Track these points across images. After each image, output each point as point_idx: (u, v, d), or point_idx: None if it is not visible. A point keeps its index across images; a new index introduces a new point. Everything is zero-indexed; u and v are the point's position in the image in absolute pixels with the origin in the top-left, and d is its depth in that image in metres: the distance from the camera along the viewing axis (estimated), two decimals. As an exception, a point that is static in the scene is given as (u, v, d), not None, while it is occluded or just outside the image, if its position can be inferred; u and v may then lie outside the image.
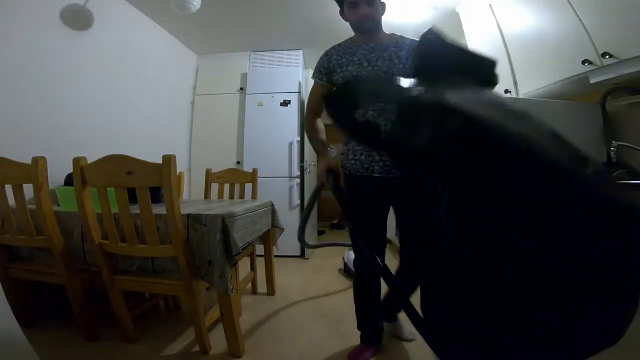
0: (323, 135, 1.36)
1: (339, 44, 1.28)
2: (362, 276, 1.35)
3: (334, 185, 1.17)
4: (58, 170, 1.67)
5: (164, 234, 1.26)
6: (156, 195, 1.48)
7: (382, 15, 1.21)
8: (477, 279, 0.56)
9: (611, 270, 0.47)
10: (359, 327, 1.39)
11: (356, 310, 1.40)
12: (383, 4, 1.22)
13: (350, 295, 2.11)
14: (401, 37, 1.23)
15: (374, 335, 1.38)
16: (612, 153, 1.43)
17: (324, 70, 1.27)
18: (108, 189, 1.25)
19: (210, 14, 2.65)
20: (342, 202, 1.11)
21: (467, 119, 0.50)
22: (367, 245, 1.20)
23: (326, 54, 1.28)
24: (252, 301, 1.98)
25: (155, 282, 1.31)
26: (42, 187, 1.28)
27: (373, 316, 1.38)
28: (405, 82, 0.84)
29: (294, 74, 3.31)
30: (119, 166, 1.19)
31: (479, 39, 2.22)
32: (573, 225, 0.46)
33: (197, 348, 1.38)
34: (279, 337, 1.53)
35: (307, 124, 1.36)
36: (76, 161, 1.24)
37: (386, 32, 1.25)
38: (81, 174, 1.24)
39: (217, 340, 1.41)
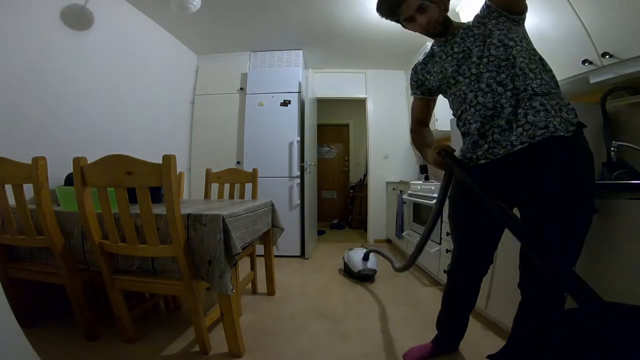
0: (427, 140, 1.29)
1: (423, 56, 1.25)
2: (453, 273, 1.25)
3: (451, 164, 1.05)
4: (58, 170, 1.67)
5: (164, 234, 1.26)
6: (156, 195, 1.48)
7: (447, 9, 1.09)
8: None
9: None
10: (436, 326, 1.36)
11: (440, 309, 1.34)
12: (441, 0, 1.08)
13: (350, 295, 2.12)
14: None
15: (446, 341, 1.34)
16: (612, 153, 1.43)
17: (415, 85, 1.28)
18: (108, 189, 1.24)
19: (210, 14, 2.65)
20: (467, 180, 0.98)
21: None
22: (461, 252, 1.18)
23: (413, 67, 1.27)
24: (252, 301, 1.98)
25: (155, 282, 1.31)
26: (42, 187, 1.28)
27: (455, 320, 1.31)
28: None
29: (294, 74, 3.31)
30: (119, 166, 1.19)
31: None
32: None
33: (197, 348, 1.37)
34: (279, 337, 1.53)
35: (412, 135, 1.35)
36: (76, 161, 1.24)
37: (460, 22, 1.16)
38: (81, 174, 1.24)
39: (217, 340, 1.41)
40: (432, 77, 1.19)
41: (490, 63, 0.99)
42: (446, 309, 1.32)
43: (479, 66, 1.01)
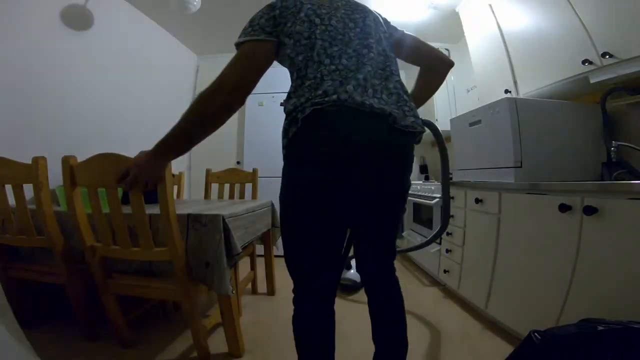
0: None
1: None
2: None
3: None
4: (58, 170, 1.67)
5: (163, 234, 1.24)
6: (155, 195, 1.47)
7: None
8: None
9: None
10: None
11: None
12: None
13: (350, 295, 2.12)
14: None
15: None
16: (612, 153, 1.43)
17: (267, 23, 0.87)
18: (99, 189, 1.19)
19: (210, 14, 2.65)
20: None
21: None
22: None
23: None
24: (252, 301, 1.97)
25: (150, 287, 1.28)
26: (42, 187, 1.28)
27: None
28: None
29: (294, 74, 3.31)
30: (110, 165, 1.13)
31: (479, 39, 2.22)
32: None
33: (196, 352, 1.37)
34: (278, 337, 1.53)
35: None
36: (65, 160, 1.19)
37: None
38: (71, 174, 1.19)
39: (218, 341, 1.41)
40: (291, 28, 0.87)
41: None
42: None
43: None
